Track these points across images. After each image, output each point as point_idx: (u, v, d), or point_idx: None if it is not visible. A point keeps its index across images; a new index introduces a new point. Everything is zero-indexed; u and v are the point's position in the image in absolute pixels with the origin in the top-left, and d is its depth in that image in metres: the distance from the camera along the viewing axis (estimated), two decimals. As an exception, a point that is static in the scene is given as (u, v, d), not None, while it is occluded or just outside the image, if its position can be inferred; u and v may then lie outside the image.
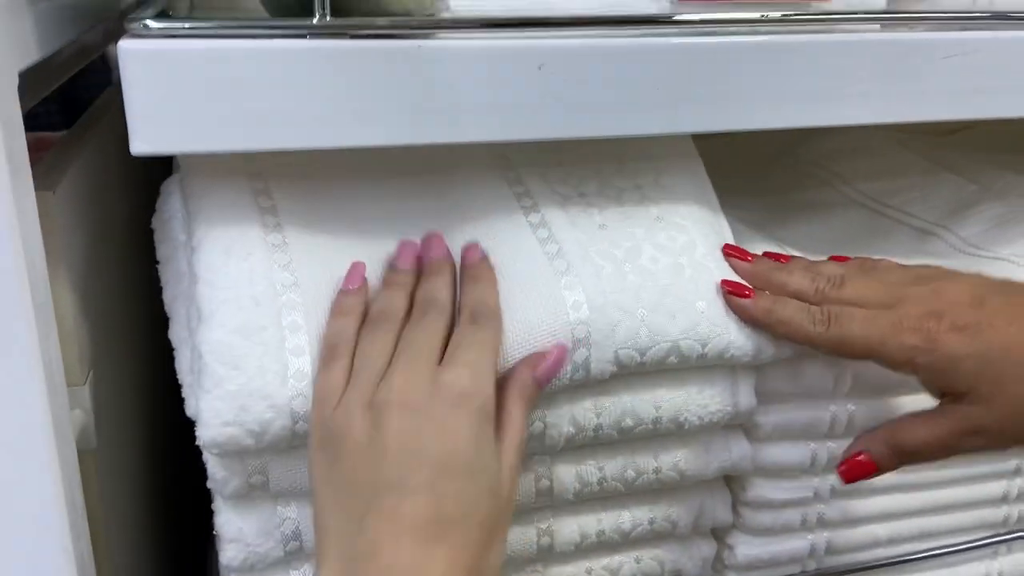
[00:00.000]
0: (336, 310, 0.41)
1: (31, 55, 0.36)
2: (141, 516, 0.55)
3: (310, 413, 0.39)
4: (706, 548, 0.52)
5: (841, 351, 0.43)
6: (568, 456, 0.46)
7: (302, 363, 0.39)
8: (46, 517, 0.36)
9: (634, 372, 0.44)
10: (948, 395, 0.42)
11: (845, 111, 0.45)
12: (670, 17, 0.42)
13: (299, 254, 0.42)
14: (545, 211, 0.46)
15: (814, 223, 0.63)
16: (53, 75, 0.46)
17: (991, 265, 0.56)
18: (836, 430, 0.51)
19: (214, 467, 0.40)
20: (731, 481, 0.52)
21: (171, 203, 0.47)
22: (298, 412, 0.39)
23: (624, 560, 0.49)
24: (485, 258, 0.44)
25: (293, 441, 0.40)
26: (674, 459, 0.47)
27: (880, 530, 0.55)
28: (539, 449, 0.44)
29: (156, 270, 0.48)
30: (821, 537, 0.54)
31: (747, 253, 0.47)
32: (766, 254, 0.49)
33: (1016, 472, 0.57)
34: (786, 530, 0.53)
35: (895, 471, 0.43)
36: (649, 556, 0.50)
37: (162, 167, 0.51)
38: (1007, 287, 0.44)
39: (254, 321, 0.39)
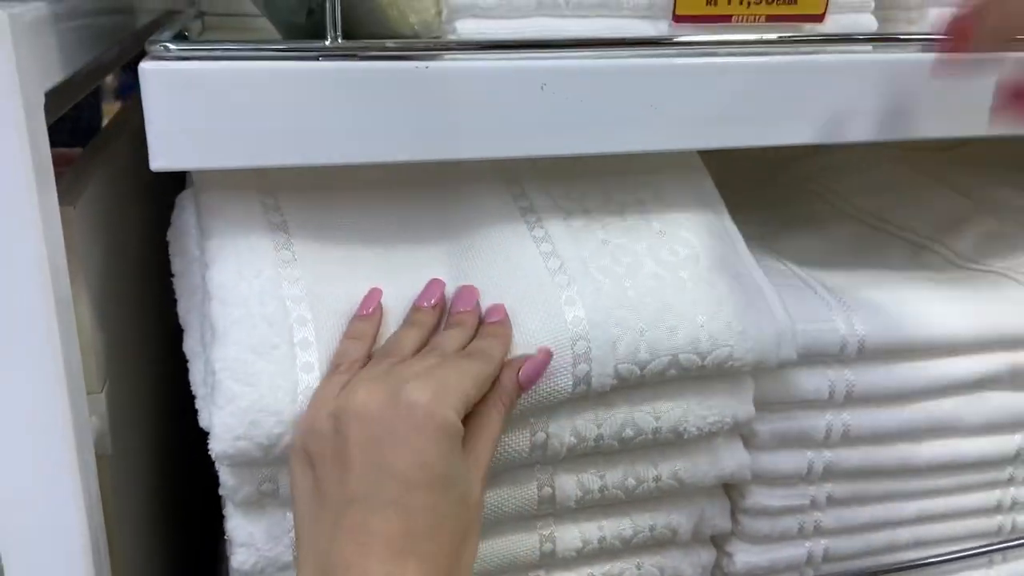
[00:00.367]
0: (348, 334, 0.42)
1: (55, 75, 0.37)
2: (153, 520, 0.56)
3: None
4: (706, 555, 0.53)
5: None
6: (570, 464, 0.46)
7: (311, 379, 0.40)
8: (66, 517, 0.37)
9: (634, 385, 0.45)
10: None
11: (839, 129, 0.46)
12: (669, 39, 0.43)
13: (309, 269, 0.43)
14: (548, 225, 0.47)
15: (810, 237, 0.64)
16: (71, 93, 0.47)
17: (984, 278, 0.57)
18: (832, 439, 0.51)
19: (226, 475, 0.41)
20: (730, 489, 0.52)
21: (185, 217, 0.48)
22: None
23: (625, 567, 0.50)
24: (506, 320, 0.43)
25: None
26: (674, 468, 0.48)
27: (876, 538, 0.56)
28: (541, 458, 0.45)
29: (171, 283, 0.48)
30: (819, 545, 0.55)
31: None
32: None
33: (1010, 481, 0.58)
34: (784, 538, 0.53)
35: None
36: (650, 563, 0.50)
37: (174, 180, 0.52)
38: None
39: (267, 340, 0.40)
